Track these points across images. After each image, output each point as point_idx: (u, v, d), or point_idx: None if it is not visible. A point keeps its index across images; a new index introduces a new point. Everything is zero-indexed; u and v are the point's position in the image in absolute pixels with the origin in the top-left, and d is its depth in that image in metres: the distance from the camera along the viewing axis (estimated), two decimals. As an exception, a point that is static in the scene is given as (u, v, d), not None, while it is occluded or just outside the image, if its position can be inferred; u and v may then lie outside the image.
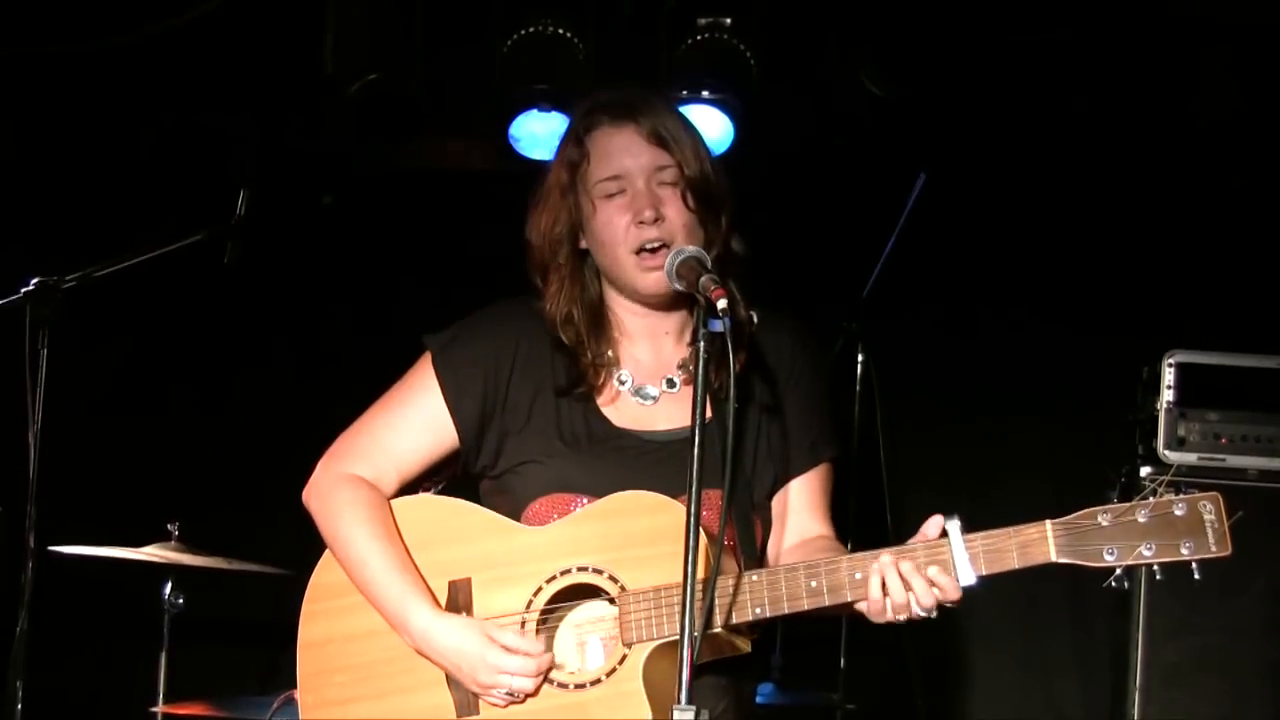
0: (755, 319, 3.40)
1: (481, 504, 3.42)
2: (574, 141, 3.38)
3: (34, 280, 4.38)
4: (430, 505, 3.43)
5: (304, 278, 6.32)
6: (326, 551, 3.44)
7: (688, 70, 5.75)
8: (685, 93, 5.71)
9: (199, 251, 4.63)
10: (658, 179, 3.29)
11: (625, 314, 3.44)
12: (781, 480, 3.43)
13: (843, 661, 5.46)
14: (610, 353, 3.41)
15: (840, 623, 5.41)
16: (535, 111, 5.88)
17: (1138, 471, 5.38)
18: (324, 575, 3.43)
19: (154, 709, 5.02)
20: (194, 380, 6.34)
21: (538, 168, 5.95)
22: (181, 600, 5.08)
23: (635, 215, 3.26)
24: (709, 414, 3.17)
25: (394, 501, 3.42)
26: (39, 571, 4.30)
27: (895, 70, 5.92)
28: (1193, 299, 6.01)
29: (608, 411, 3.39)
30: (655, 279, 3.29)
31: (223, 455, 6.23)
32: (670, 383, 3.42)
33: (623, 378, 3.42)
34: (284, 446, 5.85)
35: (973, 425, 6.25)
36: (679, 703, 2.72)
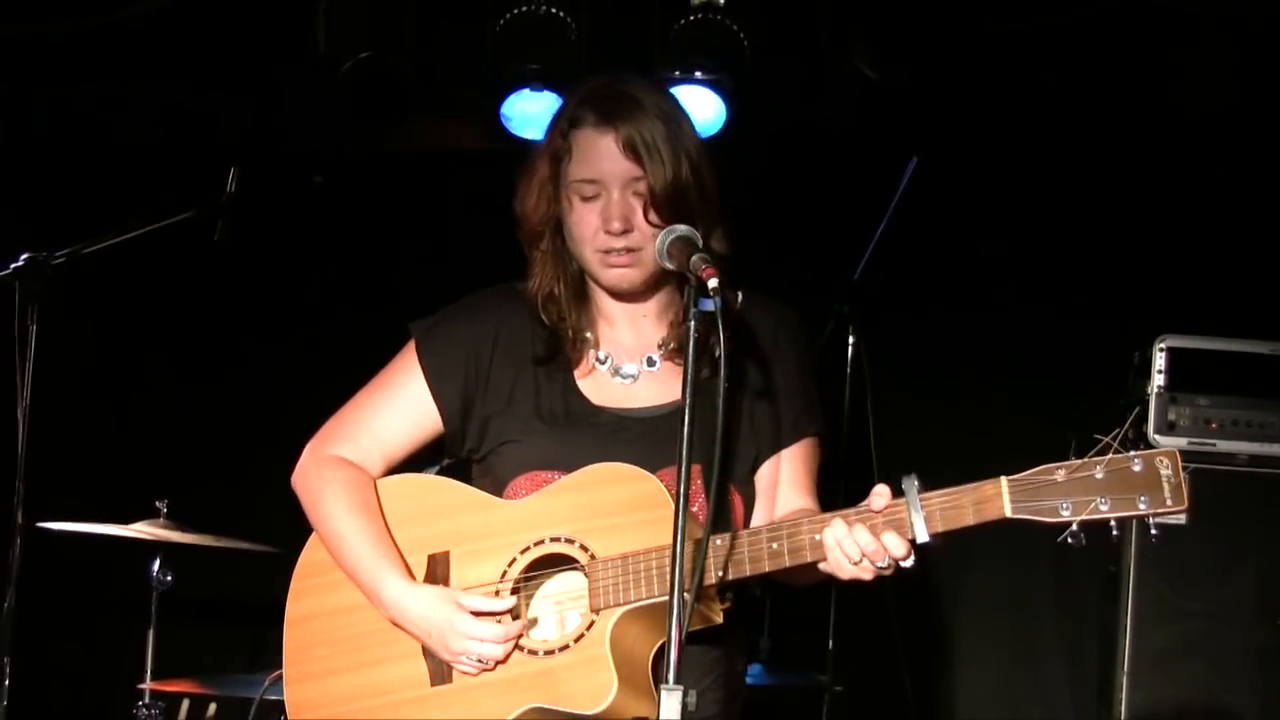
0: (740, 298, 3.42)
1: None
2: (560, 133, 3.39)
3: (24, 256, 4.35)
4: (411, 484, 3.46)
5: (294, 256, 6.32)
6: (314, 533, 3.47)
7: (681, 51, 5.74)
8: (678, 73, 5.70)
9: (189, 229, 4.62)
10: (632, 189, 3.30)
11: (604, 297, 3.47)
12: (763, 456, 3.44)
13: (831, 643, 5.46)
14: (589, 334, 3.45)
15: (829, 605, 5.42)
16: (527, 91, 5.88)
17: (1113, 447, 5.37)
18: (311, 554, 3.47)
19: (141, 686, 5.02)
20: (183, 357, 6.33)
21: (530, 147, 6.01)
22: (170, 577, 5.09)
23: (604, 223, 3.30)
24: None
25: (378, 481, 3.46)
26: (27, 548, 4.29)
27: (888, 54, 5.91)
28: (1184, 284, 6.00)
29: (586, 391, 3.42)
30: (619, 275, 3.35)
31: (212, 432, 6.23)
32: (650, 361, 3.45)
33: (601, 357, 3.45)
34: (273, 424, 5.87)
35: (963, 409, 6.24)
36: (667, 682, 2.71)
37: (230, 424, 6.22)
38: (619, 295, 3.43)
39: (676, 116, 3.37)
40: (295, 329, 6.34)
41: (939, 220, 6.07)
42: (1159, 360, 5.46)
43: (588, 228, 3.32)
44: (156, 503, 5.10)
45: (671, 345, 3.42)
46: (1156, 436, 5.40)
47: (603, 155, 3.31)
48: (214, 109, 6.11)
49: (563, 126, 3.38)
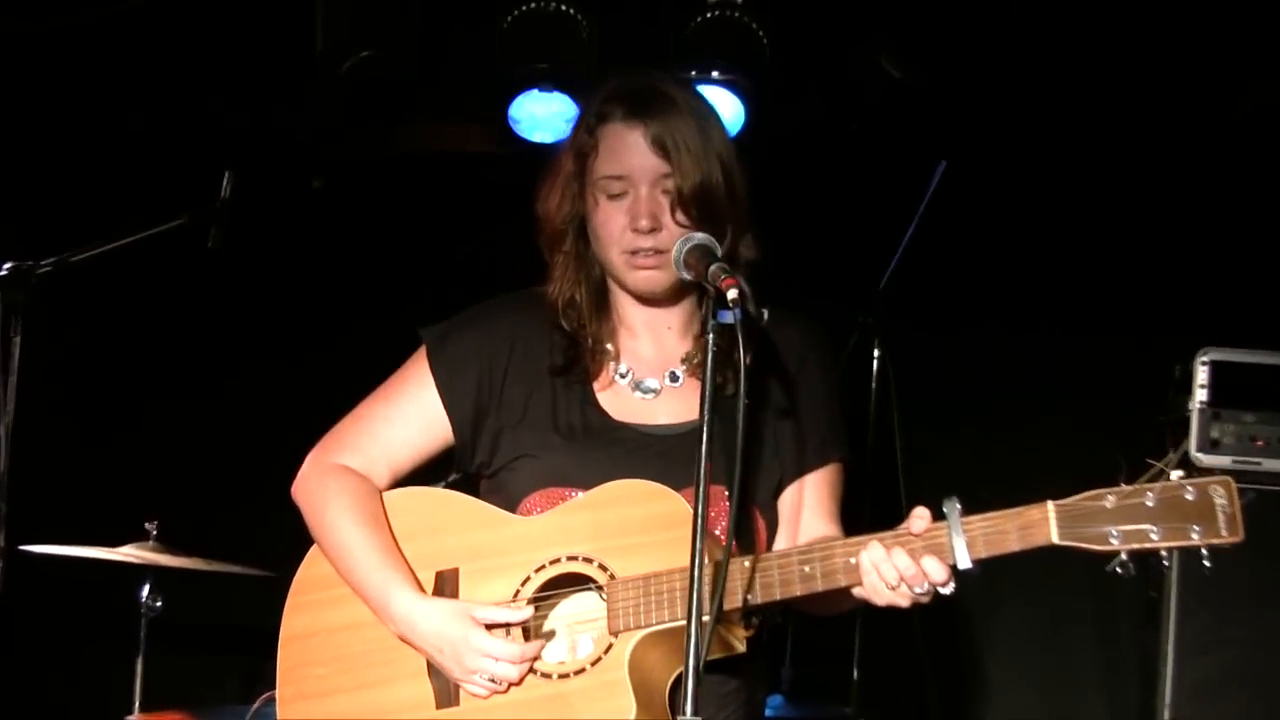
0: (765, 315, 3.41)
1: None
2: (586, 129, 3.39)
3: (7, 265, 4.35)
4: (419, 497, 3.46)
5: (291, 265, 6.32)
6: (314, 545, 3.47)
7: (697, 49, 5.75)
8: (694, 72, 5.70)
9: (181, 236, 4.61)
10: (661, 186, 3.31)
11: (627, 305, 3.47)
12: (787, 479, 3.45)
13: (855, 673, 5.45)
14: (610, 345, 3.45)
15: (854, 633, 5.40)
16: (536, 92, 5.88)
17: (1167, 476, 5.33)
18: (310, 569, 3.46)
19: (129, 717, 5.01)
20: (174, 371, 6.33)
21: (538, 151, 6.02)
22: (159, 603, 5.07)
23: (632, 221, 3.30)
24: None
25: (384, 494, 3.46)
26: (9, 572, 4.29)
27: (915, 52, 5.90)
28: (1228, 294, 5.98)
29: (606, 405, 3.42)
30: (645, 277, 3.35)
31: (204, 450, 6.23)
32: (673, 376, 3.45)
33: (622, 370, 3.45)
34: (269, 442, 5.85)
35: (993, 426, 6.23)
36: (684, 714, 2.70)
37: (223, 441, 6.22)
38: (644, 301, 3.43)
39: (707, 115, 3.39)
40: (292, 342, 6.35)
41: (968, 227, 6.07)
42: (1201, 374, 5.44)
43: (614, 226, 3.33)
44: (146, 524, 5.08)
45: (695, 360, 3.41)
46: (1198, 455, 5.37)
47: (631, 151, 3.31)
48: (207, 111, 6.11)
49: (589, 122, 3.39)
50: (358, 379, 3.56)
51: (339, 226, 6.30)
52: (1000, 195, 6.18)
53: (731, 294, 2.91)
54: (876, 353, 5.59)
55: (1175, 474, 2.96)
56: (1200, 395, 5.44)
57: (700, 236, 3.15)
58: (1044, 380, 6.21)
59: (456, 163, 6.40)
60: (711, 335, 2.92)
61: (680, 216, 3.28)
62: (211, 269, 5.26)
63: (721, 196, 3.32)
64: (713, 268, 3.01)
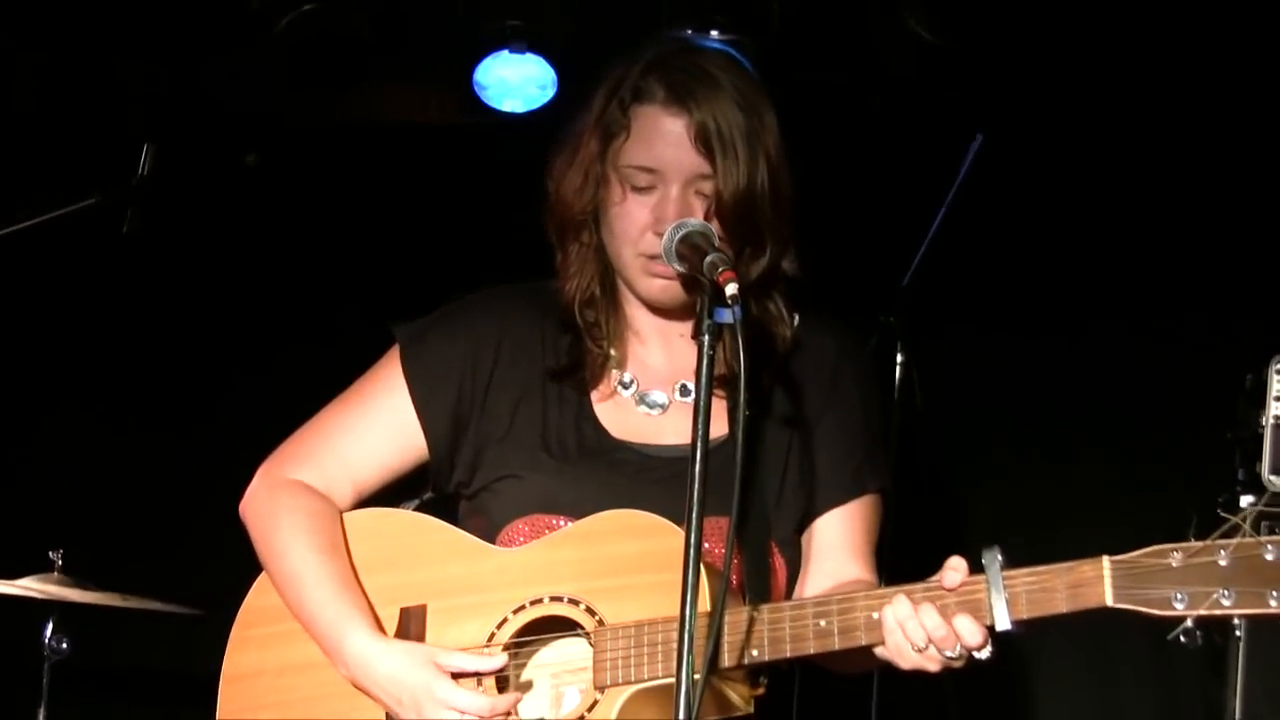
0: (795, 320, 3.44)
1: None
2: (618, 105, 3.37)
3: (-114, 256, 4.35)
4: (385, 520, 3.46)
5: (221, 254, 6.30)
6: (264, 572, 3.46)
7: (695, 6, 5.73)
8: (690, 33, 5.68)
9: (92, 219, 4.60)
10: (696, 187, 3.31)
11: (634, 308, 3.48)
12: (814, 512, 3.44)
13: (874, 728, 5.45)
14: (614, 351, 3.45)
15: (871, 684, 5.39)
16: (506, 53, 5.87)
17: (1237, 501, 5.34)
18: (259, 598, 3.45)
19: (30, 775, 5.01)
20: (85, 377, 6.31)
21: (508, 121, 6.00)
22: (65, 644, 5.06)
23: (656, 223, 3.29)
24: (724, 428, 3.25)
25: (345, 515, 3.46)
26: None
27: (948, 11, 5.89)
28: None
29: (605, 419, 3.42)
30: (661, 287, 3.35)
31: (119, 468, 6.21)
32: (684, 390, 3.45)
33: (625, 380, 3.46)
34: (197, 459, 5.87)
35: (1034, 443, 6.22)
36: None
37: (142, 458, 6.20)
38: (654, 309, 3.43)
39: (759, 106, 3.37)
40: (224, 343, 6.33)
41: (1006, 214, 6.05)
42: (1276, 384, 5.42)
43: (634, 224, 3.31)
44: (49, 553, 5.07)
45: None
46: (1272, 478, 5.35)
47: (668, 141, 3.30)
48: (122, 74, 6.09)
49: (622, 97, 3.36)
50: (295, 384, 3.55)
51: (277, 208, 6.28)
52: (1043, 177, 6.16)
53: (730, 289, 2.89)
54: (899, 358, 5.58)
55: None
56: (1275, 409, 5.41)
57: (694, 223, 3.15)
58: (1093, 391, 6.18)
59: (414, 134, 6.39)
60: (707, 337, 2.90)
61: (716, 227, 3.26)
62: (128, 257, 5.24)
63: (765, 205, 3.32)
64: (709, 259, 2.99)
